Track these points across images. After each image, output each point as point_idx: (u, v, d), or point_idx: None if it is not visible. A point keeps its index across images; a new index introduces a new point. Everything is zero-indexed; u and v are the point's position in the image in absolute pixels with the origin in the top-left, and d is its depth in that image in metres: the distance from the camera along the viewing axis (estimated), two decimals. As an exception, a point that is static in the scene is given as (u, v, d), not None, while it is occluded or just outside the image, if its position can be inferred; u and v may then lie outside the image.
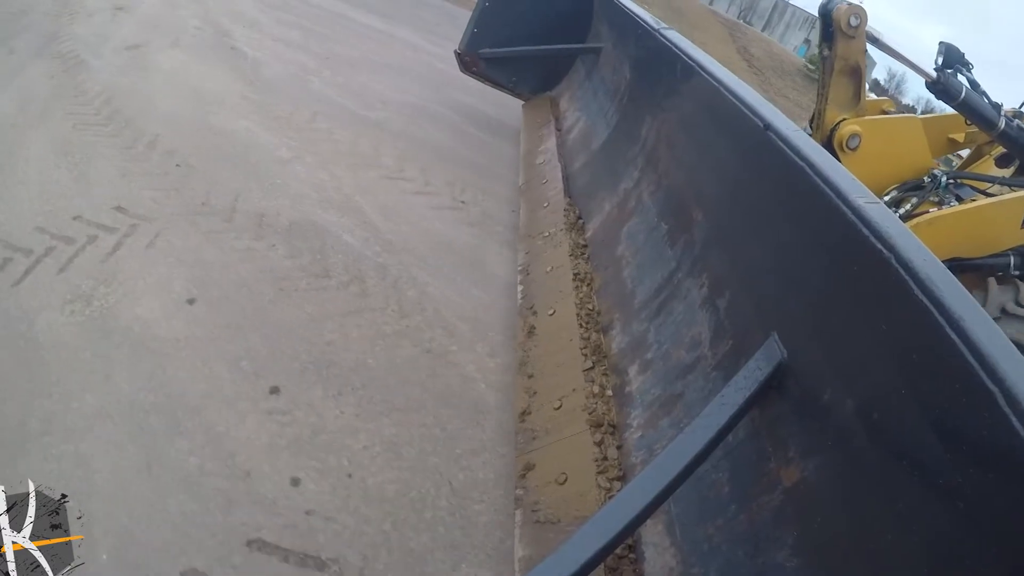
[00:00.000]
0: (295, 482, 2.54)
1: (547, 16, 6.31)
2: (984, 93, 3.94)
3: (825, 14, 3.74)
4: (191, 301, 3.27)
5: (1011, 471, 1.06)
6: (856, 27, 3.69)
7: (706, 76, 2.92)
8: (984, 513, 1.12)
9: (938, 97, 3.93)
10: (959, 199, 4.03)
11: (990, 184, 4.22)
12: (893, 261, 1.41)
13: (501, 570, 2.39)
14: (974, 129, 4.42)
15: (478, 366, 3.35)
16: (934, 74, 3.82)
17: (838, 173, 1.80)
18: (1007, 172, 4.48)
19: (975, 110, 3.93)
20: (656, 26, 4.02)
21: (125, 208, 3.86)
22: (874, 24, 3.80)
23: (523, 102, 6.70)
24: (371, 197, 4.69)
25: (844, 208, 1.65)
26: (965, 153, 5.14)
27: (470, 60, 6.47)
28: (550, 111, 5.98)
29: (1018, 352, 1.14)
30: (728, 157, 2.67)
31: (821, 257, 1.82)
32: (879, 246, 1.46)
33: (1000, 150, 4.56)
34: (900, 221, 1.55)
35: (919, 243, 1.44)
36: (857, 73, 3.93)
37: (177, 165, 4.45)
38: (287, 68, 6.87)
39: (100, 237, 3.57)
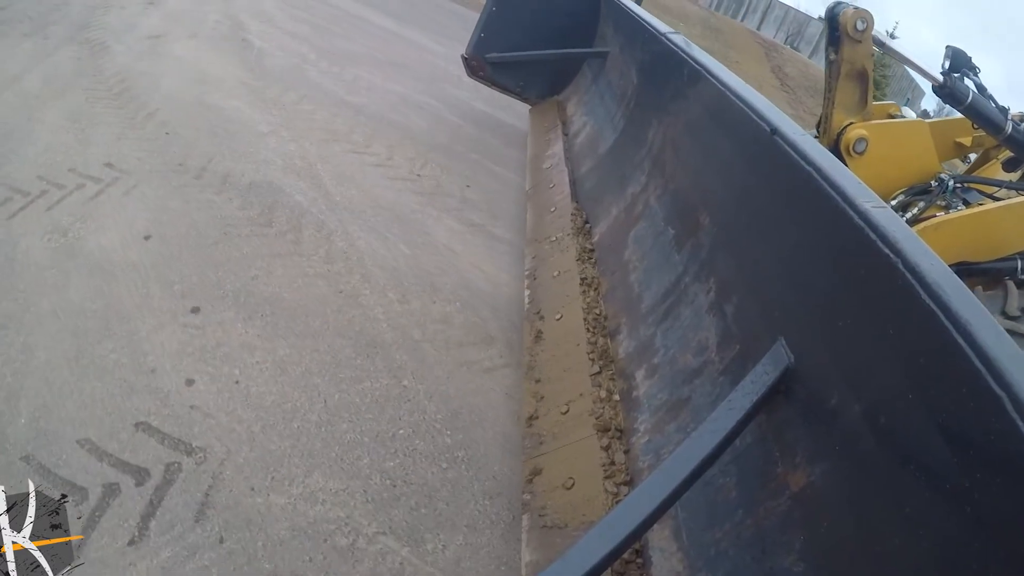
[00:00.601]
0: (189, 382, 2.96)
1: (554, 20, 6.31)
2: (991, 97, 3.93)
3: (832, 18, 3.73)
4: (147, 237, 3.82)
5: (1018, 475, 1.06)
6: (863, 31, 3.69)
7: (713, 80, 2.92)
8: (991, 517, 1.12)
9: (945, 101, 3.91)
10: (966, 203, 4.01)
11: (997, 188, 4.21)
12: (900, 265, 1.41)
13: (349, 484, 2.67)
14: (981, 133, 4.41)
15: (385, 309, 3.74)
16: (941, 78, 3.80)
17: (845, 177, 1.79)
18: (1014, 176, 4.47)
19: (982, 114, 3.92)
20: (663, 30, 4.02)
21: (113, 164, 4.50)
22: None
23: (530, 106, 6.69)
24: (331, 166, 5.18)
25: (851, 212, 1.65)
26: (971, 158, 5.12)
27: (477, 64, 6.48)
28: (557, 115, 5.99)
29: None
30: (735, 161, 2.67)
31: (828, 261, 1.82)
32: (886, 250, 1.46)
33: (1007, 154, 4.54)
34: (907, 225, 1.55)
35: (926, 247, 1.44)
36: (864, 77, 3.91)
37: (166, 133, 5.07)
38: (289, 58, 7.37)
39: (87, 186, 4.21)
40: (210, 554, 2.31)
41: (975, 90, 3.87)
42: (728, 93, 2.70)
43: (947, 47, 3.87)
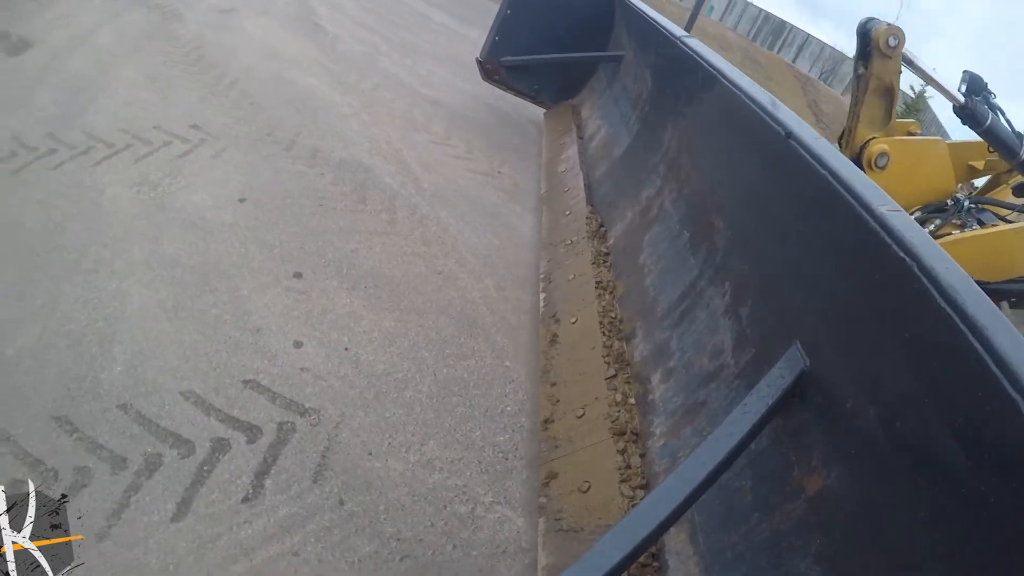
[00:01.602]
0: (297, 344, 3.01)
1: (568, 24, 6.32)
2: (1009, 122, 3.97)
3: (864, 33, 3.73)
4: (242, 200, 3.92)
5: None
6: (894, 48, 3.69)
7: (728, 84, 2.92)
8: (1008, 521, 1.12)
9: (964, 122, 3.96)
10: (981, 223, 4.05)
11: (1010, 211, 4.23)
12: (915, 269, 1.41)
13: (464, 455, 2.72)
14: (994, 157, 4.44)
15: (482, 294, 3.82)
16: (962, 99, 3.83)
17: (860, 181, 1.79)
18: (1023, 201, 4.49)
19: (999, 138, 3.97)
20: (678, 34, 4.02)
21: (199, 126, 4.62)
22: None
23: (544, 110, 6.70)
24: (415, 154, 5.29)
25: (866, 216, 1.65)
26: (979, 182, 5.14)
27: (492, 68, 6.49)
28: (571, 119, 5.99)
29: None
30: (750, 165, 2.67)
31: (843, 265, 1.82)
32: (901, 254, 1.46)
33: (1017, 179, 4.58)
34: (923, 229, 1.54)
35: (942, 252, 1.44)
36: (890, 93, 3.92)
37: (251, 103, 5.21)
38: (361, 46, 7.57)
39: (174, 144, 4.31)
40: (330, 515, 2.33)
41: (994, 113, 3.89)
42: (743, 97, 2.70)
43: (964, 72, 3.91)
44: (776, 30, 49.35)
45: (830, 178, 1.87)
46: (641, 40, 5.13)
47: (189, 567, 2.06)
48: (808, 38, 48.24)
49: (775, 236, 2.31)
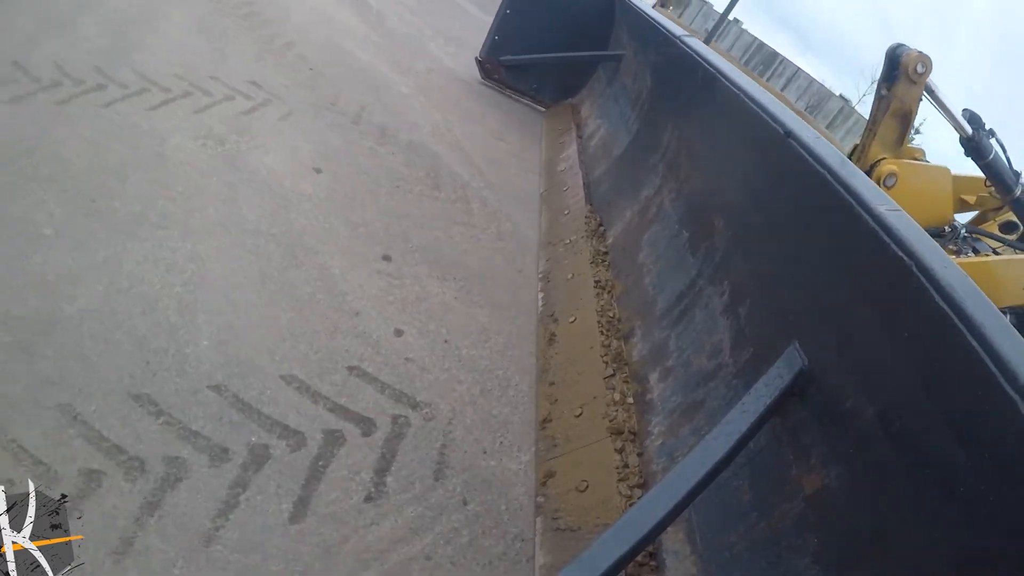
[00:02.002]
0: (398, 333, 2.93)
1: (568, 23, 6.33)
2: (1009, 160, 4.11)
3: (894, 57, 3.80)
4: (317, 170, 3.82)
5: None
6: (921, 75, 3.76)
7: (728, 83, 2.92)
8: (1006, 520, 1.12)
9: (967, 154, 4.14)
10: (975, 251, 4.21)
11: (1001, 244, 4.45)
12: (914, 268, 1.41)
13: None
14: (986, 194, 4.58)
15: None
16: (970, 131, 3.93)
17: (859, 181, 1.80)
18: (1010, 239, 4.64)
19: (998, 173, 4.16)
20: (678, 33, 4.03)
21: (260, 84, 4.48)
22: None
23: (544, 109, 6.70)
24: (475, 146, 5.34)
25: (865, 216, 1.65)
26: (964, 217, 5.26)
27: (491, 67, 6.50)
28: (571, 118, 5.99)
29: None
30: (749, 165, 2.67)
31: (842, 264, 1.82)
32: (900, 253, 1.46)
33: (1006, 217, 4.72)
34: (921, 229, 1.54)
35: (940, 251, 1.44)
36: (908, 118, 4.00)
37: (310, 68, 5.15)
38: (405, 27, 7.74)
39: (236, 99, 4.15)
40: (457, 516, 2.26)
41: (997, 150, 4.08)
42: (742, 96, 2.70)
43: (964, 110, 4.04)
44: (767, 60, 50.18)
45: (829, 177, 1.88)
46: (641, 39, 5.13)
47: (317, 574, 1.92)
48: (798, 71, 49.13)
49: (774, 235, 2.31)
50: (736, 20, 53.12)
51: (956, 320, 1.25)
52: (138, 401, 2.12)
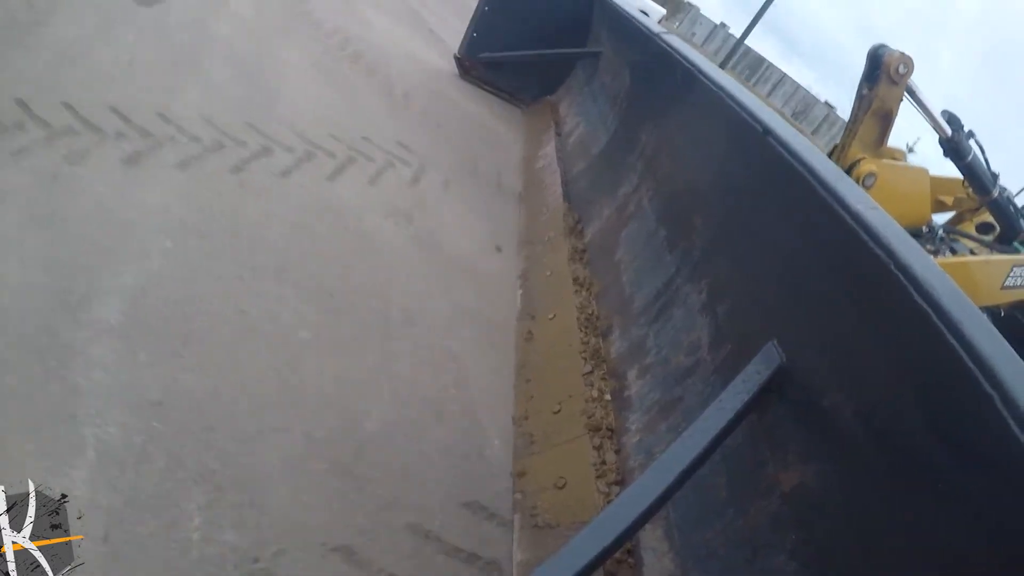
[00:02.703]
0: None
1: (546, 21, 6.31)
2: (987, 160, 4.14)
3: (875, 57, 3.80)
4: (498, 249, 3.90)
5: (1010, 473, 1.06)
6: (903, 75, 3.77)
7: (706, 81, 2.92)
8: (984, 516, 1.12)
9: (946, 154, 4.15)
10: (953, 252, 4.26)
11: (977, 244, 4.50)
12: (892, 266, 1.41)
13: None
14: (963, 195, 4.61)
15: None
16: (950, 132, 3.95)
17: (838, 179, 1.80)
18: (987, 240, 4.69)
19: (976, 174, 4.19)
20: (656, 31, 4.03)
21: (408, 147, 4.37)
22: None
23: (523, 107, 6.68)
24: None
25: (843, 213, 1.65)
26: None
27: (469, 65, 6.47)
28: (550, 116, 5.98)
29: (1016, 356, 1.15)
30: (728, 162, 2.68)
31: (820, 262, 1.83)
32: (878, 251, 1.47)
33: (982, 218, 4.76)
34: (899, 226, 1.55)
35: (919, 248, 1.44)
36: (888, 118, 4.00)
37: (437, 125, 5.10)
38: None
39: (397, 165, 4.08)
40: None
41: (975, 151, 4.11)
42: (721, 94, 2.71)
43: (943, 111, 4.08)
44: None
45: (808, 176, 1.88)
46: (620, 37, 5.14)
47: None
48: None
49: (752, 233, 2.32)
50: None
51: (934, 317, 1.25)
52: (470, 508, 2.21)
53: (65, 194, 2.43)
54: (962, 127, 4.03)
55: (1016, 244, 4.53)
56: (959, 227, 4.89)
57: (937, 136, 4.07)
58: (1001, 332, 1.23)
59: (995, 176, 4.22)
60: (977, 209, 4.71)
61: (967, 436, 1.17)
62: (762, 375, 1.78)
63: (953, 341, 1.19)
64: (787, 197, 2.08)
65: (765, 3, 31.17)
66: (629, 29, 4.73)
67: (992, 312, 4.14)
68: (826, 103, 49.84)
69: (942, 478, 1.21)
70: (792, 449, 1.67)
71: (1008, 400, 1.06)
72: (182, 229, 2.58)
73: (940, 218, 4.71)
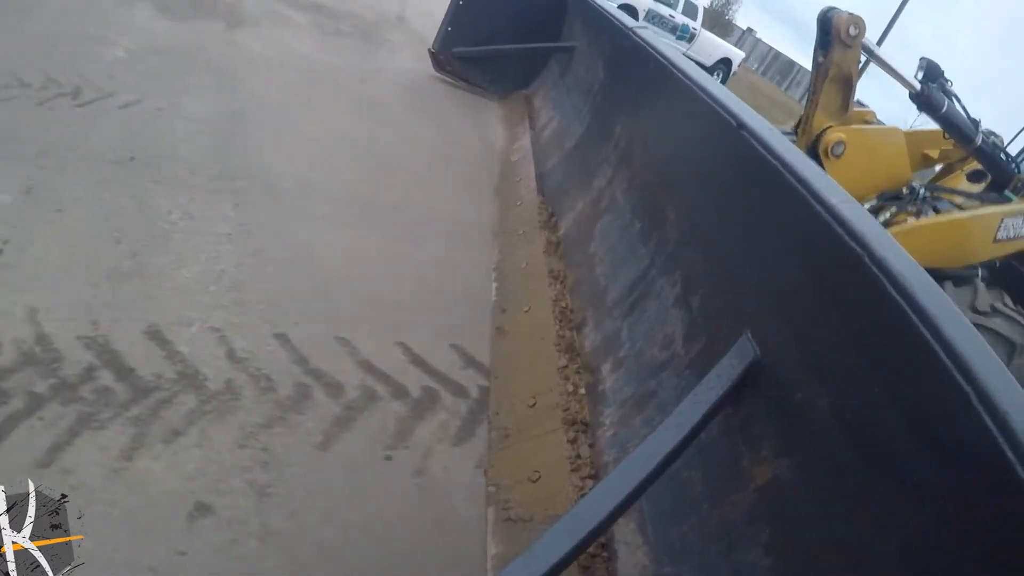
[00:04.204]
0: None
1: (521, 15, 6.31)
2: (964, 108, 4.04)
3: (824, 21, 3.76)
4: None
5: (983, 469, 1.07)
6: (854, 37, 3.73)
7: (680, 75, 2.92)
8: (957, 511, 1.12)
9: (920, 109, 4.06)
10: (936, 211, 4.13)
11: (964, 199, 4.33)
12: (866, 259, 1.41)
13: None
14: (948, 146, 4.53)
15: None
16: (918, 86, 3.89)
17: (811, 172, 1.80)
18: (978, 188, 4.59)
19: (955, 123, 4.07)
20: (630, 24, 4.03)
21: None
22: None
23: (498, 100, 6.67)
24: None
25: (817, 207, 1.65)
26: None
27: (444, 59, 6.45)
28: (524, 109, 5.98)
29: (991, 351, 1.15)
30: (702, 156, 2.68)
31: (794, 256, 1.83)
32: (852, 244, 1.47)
33: (973, 166, 4.67)
34: (875, 220, 1.55)
35: (893, 242, 1.44)
36: (848, 82, 3.97)
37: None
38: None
39: None
40: None
41: (950, 100, 3.97)
42: (694, 88, 2.71)
43: (921, 59, 4.01)
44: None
45: (781, 169, 1.88)
46: (593, 31, 5.13)
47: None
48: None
49: (726, 226, 2.32)
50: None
51: (909, 311, 1.25)
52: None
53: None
54: (941, 74, 3.97)
55: (1007, 192, 4.46)
56: (949, 178, 4.85)
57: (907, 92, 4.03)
58: (999, 284, 1.22)
59: (976, 123, 4.14)
60: (965, 159, 4.67)
61: (941, 432, 1.17)
62: (736, 369, 1.78)
63: (928, 336, 1.19)
64: (761, 190, 2.08)
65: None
66: (603, 23, 4.73)
67: (989, 267, 4.08)
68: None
69: (916, 474, 1.21)
70: (766, 443, 1.67)
71: (983, 396, 1.06)
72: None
73: (925, 176, 4.67)
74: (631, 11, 24.29)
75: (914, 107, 4.09)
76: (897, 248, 1.41)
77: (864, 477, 1.34)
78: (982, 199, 4.38)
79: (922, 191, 4.21)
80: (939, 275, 3.81)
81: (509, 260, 3.77)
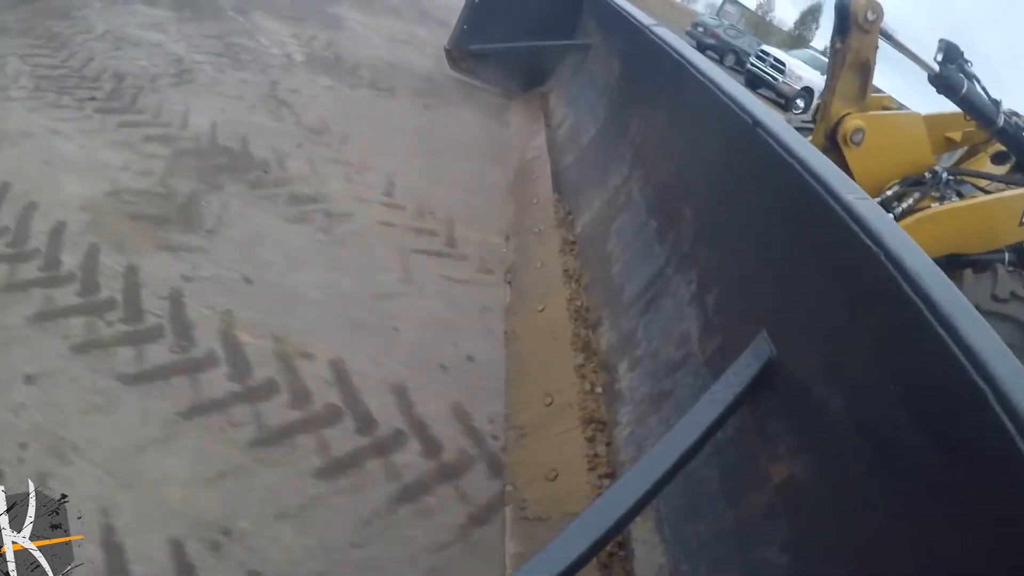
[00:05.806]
0: None
1: (536, 12, 6.30)
2: (985, 89, 3.98)
3: (842, 7, 3.72)
4: None
5: (1001, 469, 1.06)
6: (872, 22, 3.69)
7: (695, 73, 2.91)
8: (974, 512, 1.12)
9: (939, 91, 3.99)
10: (960, 195, 4.08)
11: (988, 182, 4.27)
12: (883, 257, 1.40)
13: None
14: (971, 128, 4.46)
15: None
16: (936, 68, 3.84)
17: (827, 169, 1.80)
18: (1002, 169, 4.52)
19: (975, 105, 4.00)
20: (646, 22, 4.02)
21: None
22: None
23: (513, 98, 6.67)
24: None
25: (833, 204, 1.64)
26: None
27: (459, 56, 6.46)
28: (540, 107, 5.97)
29: (1008, 350, 1.14)
30: (717, 154, 2.67)
31: (810, 254, 1.82)
32: (868, 243, 1.46)
33: (997, 147, 4.59)
34: (890, 217, 1.55)
35: (909, 240, 1.44)
36: (866, 68, 3.92)
37: None
38: None
39: None
40: None
41: (970, 82, 3.92)
42: (710, 85, 2.70)
43: (940, 40, 3.93)
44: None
45: (797, 166, 1.87)
46: (609, 28, 5.13)
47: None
48: None
49: (742, 224, 2.31)
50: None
51: (924, 310, 1.25)
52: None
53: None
54: (961, 55, 3.89)
55: None
56: (973, 160, 4.78)
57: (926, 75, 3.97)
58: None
59: (997, 103, 4.06)
60: (988, 140, 4.60)
61: (959, 431, 1.17)
62: (753, 368, 1.78)
63: (944, 335, 1.19)
64: (776, 188, 2.07)
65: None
66: (619, 21, 4.71)
67: (1018, 251, 4.02)
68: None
69: (933, 473, 1.21)
70: (783, 442, 1.67)
71: (1000, 395, 1.06)
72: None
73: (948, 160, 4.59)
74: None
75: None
76: (913, 246, 1.41)
77: (880, 476, 1.34)
78: (1007, 181, 4.29)
79: (944, 175, 4.13)
80: (961, 261, 3.77)
81: (525, 259, 3.77)
